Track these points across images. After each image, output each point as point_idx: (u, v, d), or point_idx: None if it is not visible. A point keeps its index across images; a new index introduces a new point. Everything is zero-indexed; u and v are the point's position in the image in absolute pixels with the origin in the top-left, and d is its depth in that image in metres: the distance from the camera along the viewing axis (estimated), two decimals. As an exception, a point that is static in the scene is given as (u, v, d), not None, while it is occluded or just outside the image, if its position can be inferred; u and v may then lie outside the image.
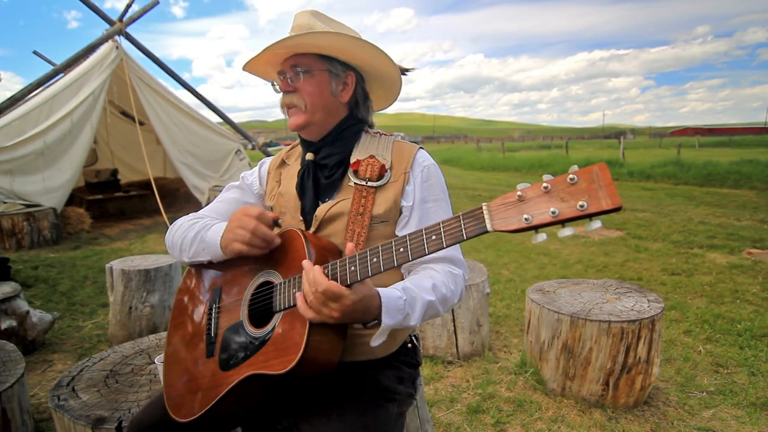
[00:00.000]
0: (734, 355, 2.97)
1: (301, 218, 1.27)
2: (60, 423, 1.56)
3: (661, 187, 12.35)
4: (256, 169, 1.48)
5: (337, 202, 1.22)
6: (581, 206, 0.76)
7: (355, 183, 1.22)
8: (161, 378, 1.64)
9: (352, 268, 1.01)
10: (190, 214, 1.38)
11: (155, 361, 1.66)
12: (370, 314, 1.01)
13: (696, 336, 3.28)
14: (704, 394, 2.55)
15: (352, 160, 1.26)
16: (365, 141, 1.30)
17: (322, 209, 1.23)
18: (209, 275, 1.31)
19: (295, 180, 1.32)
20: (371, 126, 1.37)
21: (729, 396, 2.52)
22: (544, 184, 0.81)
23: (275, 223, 1.20)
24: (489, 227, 0.85)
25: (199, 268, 1.34)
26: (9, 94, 6.97)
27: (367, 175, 1.22)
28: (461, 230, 0.88)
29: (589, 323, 2.34)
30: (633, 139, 66.27)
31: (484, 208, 0.86)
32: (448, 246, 0.90)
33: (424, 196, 1.23)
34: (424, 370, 2.83)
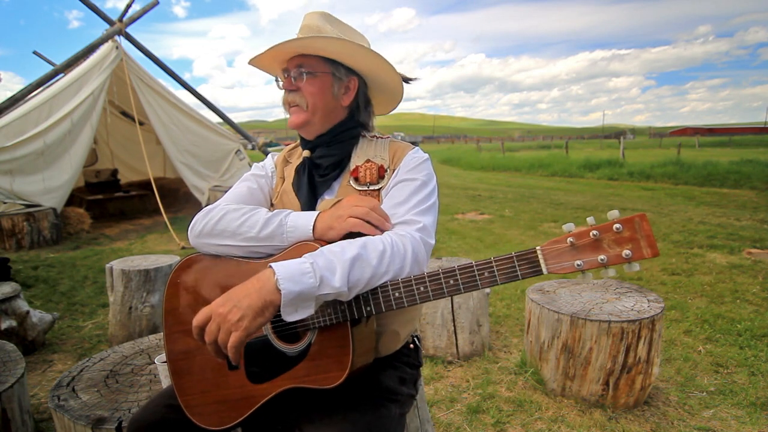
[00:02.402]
0: (734, 355, 2.97)
1: None
2: (60, 423, 1.56)
3: (661, 187, 12.34)
4: (270, 159, 1.47)
5: (339, 200, 1.22)
6: (626, 255, 0.87)
7: (358, 189, 1.24)
8: (161, 378, 1.65)
9: (397, 294, 1.02)
10: (223, 205, 1.27)
11: (155, 361, 1.65)
12: (259, 290, 0.95)
13: (696, 336, 3.28)
14: (704, 394, 2.55)
15: (351, 167, 1.27)
16: (362, 146, 1.31)
17: (324, 205, 1.24)
18: (207, 282, 1.25)
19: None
20: (370, 130, 1.38)
21: (729, 396, 2.52)
22: (593, 232, 0.90)
23: None
24: (544, 270, 0.92)
25: (190, 272, 1.27)
26: (9, 94, 6.98)
27: (368, 180, 1.24)
28: (516, 271, 0.95)
29: (589, 323, 2.34)
30: (633, 139, 66.26)
31: (538, 252, 0.93)
32: (502, 283, 0.96)
33: (402, 176, 1.22)
34: (424, 370, 2.83)
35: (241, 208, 1.23)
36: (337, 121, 1.31)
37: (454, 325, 2.95)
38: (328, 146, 1.30)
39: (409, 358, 1.31)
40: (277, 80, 1.35)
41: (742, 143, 40.94)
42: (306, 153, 1.32)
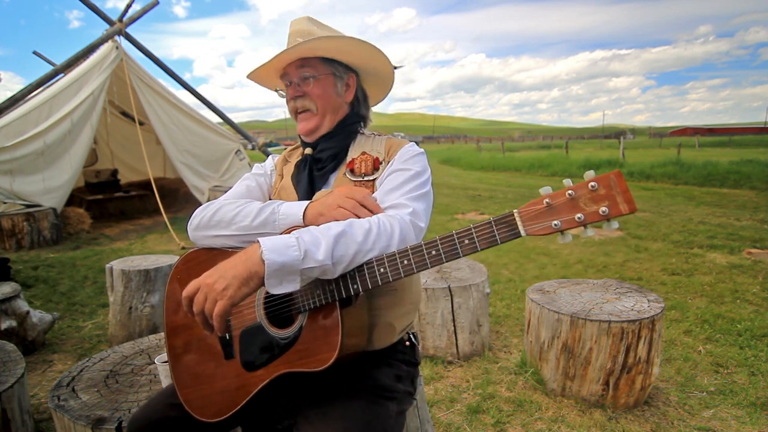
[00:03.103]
0: (734, 355, 2.97)
1: None
2: (60, 423, 1.57)
3: (661, 187, 12.34)
4: (270, 159, 1.51)
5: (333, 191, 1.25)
6: (603, 212, 0.87)
7: (353, 180, 1.27)
8: (162, 378, 1.65)
9: (382, 269, 1.03)
10: (221, 200, 1.31)
11: (155, 361, 1.65)
12: (244, 261, 0.98)
13: (696, 336, 3.28)
14: (704, 394, 2.55)
15: (348, 159, 1.31)
16: (360, 141, 1.35)
17: (319, 195, 1.26)
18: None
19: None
20: (366, 123, 1.42)
21: (729, 396, 2.52)
22: (569, 191, 0.89)
23: None
24: (522, 232, 0.92)
25: (190, 267, 1.29)
26: (9, 94, 6.98)
27: (363, 171, 1.27)
28: (494, 235, 0.94)
29: (589, 323, 2.34)
30: (633, 139, 66.26)
31: (515, 214, 0.93)
32: (482, 249, 0.95)
33: (396, 167, 1.25)
34: (425, 370, 2.83)
35: (237, 201, 1.27)
36: (341, 117, 1.35)
37: (454, 325, 2.95)
38: (330, 140, 1.33)
39: (405, 355, 1.32)
40: (278, 91, 1.38)
41: (742, 143, 40.94)
42: (308, 150, 1.35)
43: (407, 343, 1.33)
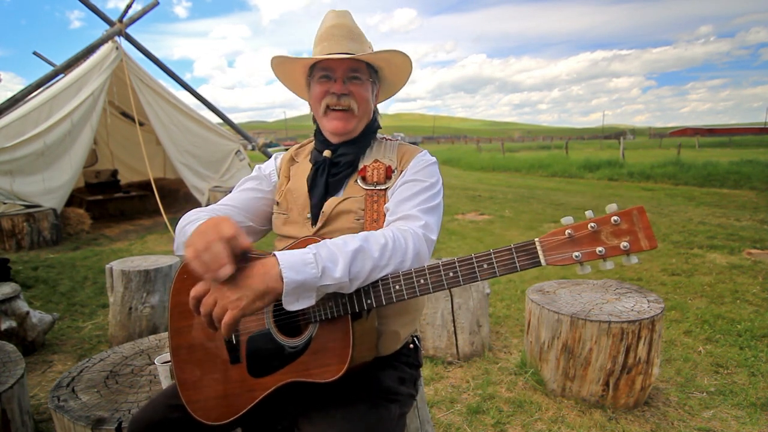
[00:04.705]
0: (734, 355, 2.97)
1: (309, 214, 1.29)
2: (60, 424, 1.57)
3: (661, 187, 12.34)
4: (272, 160, 1.49)
5: (344, 199, 1.25)
6: (624, 246, 0.88)
7: (365, 189, 1.26)
8: (161, 378, 1.65)
9: (397, 287, 1.03)
10: (212, 206, 1.35)
11: (155, 361, 1.65)
12: (262, 275, 0.94)
13: (696, 336, 3.28)
14: (704, 394, 2.55)
15: (360, 166, 1.30)
16: (373, 147, 1.35)
17: (329, 204, 1.26)
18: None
19: (304, 175, 1.35)
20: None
21: (729, 396, 2.52)
22: (591, 224, 0.90)
23: (243, 255, 0.97)
24: (543, 262, 0.93)
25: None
26: (9, 95, 6.98)
27: (375, 179, 1.27)
28: (514, 262, 0.94)
29: (589, 323, 2.34)
30: (633, 140, 66.26)
31: (537, 243, 0.93)
32: (501, 275, 0.95)
33: (409, 177, 1.25)
34: (424, 371, 2.83)
35: (196, 214, 1.25)
36: (367, 124, 1.36)
37: (454, 326, 2.95)
38: (350, 145, 1.32)
39: (409, 358, 1.32)
40: (311, 77, 1.33)
41: (742, 143, 40.93)
42: (327, 153, 1.33)
43: (411, 345, 1.33)
